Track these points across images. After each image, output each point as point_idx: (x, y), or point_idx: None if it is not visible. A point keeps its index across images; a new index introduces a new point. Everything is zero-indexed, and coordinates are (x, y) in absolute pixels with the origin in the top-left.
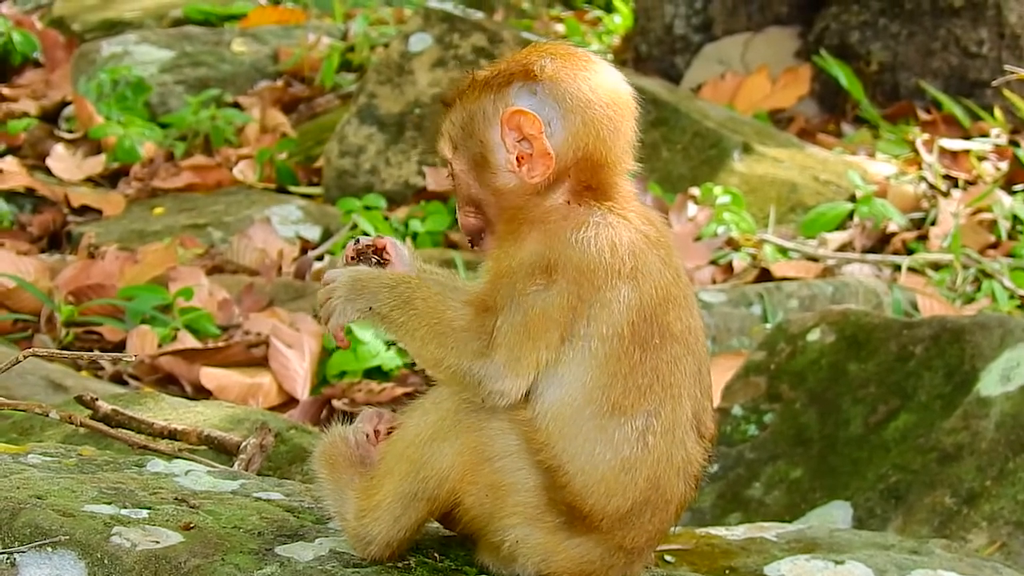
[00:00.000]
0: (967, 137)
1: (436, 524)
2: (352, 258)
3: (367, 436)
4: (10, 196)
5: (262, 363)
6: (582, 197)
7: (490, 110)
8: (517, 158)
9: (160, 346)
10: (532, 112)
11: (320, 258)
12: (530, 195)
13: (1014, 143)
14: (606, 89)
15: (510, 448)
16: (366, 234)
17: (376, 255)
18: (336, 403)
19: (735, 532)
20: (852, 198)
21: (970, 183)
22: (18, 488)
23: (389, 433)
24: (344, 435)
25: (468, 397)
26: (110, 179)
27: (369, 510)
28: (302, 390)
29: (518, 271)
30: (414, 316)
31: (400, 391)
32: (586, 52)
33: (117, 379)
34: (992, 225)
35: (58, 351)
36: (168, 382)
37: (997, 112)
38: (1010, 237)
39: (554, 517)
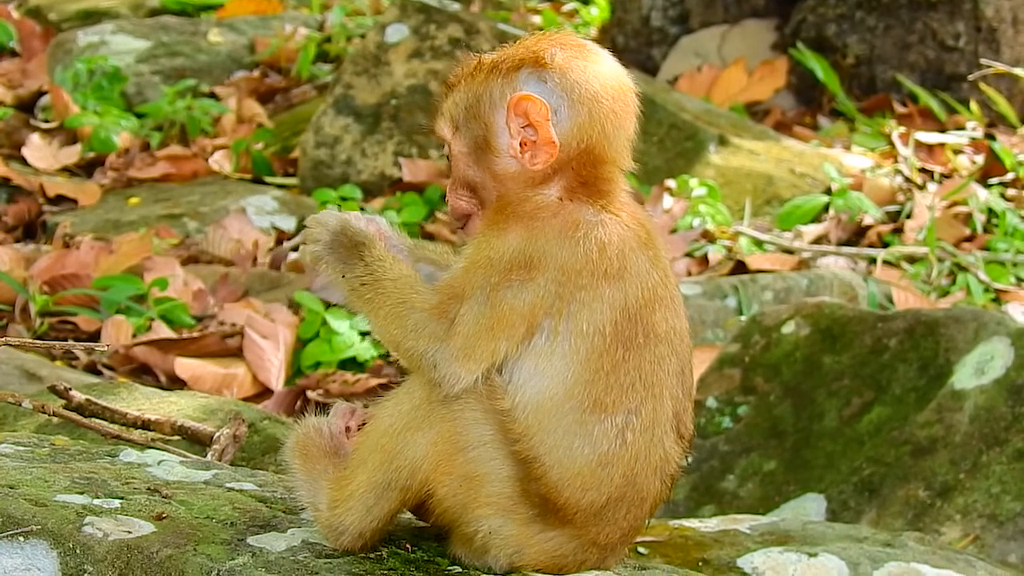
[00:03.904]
0: (943, 130)
1: (409, 515)
2: None
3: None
4: None
5: (237, 353)
6: (576, 193)
7: (497, 93)
8: (520, 144)
9: (135, 336)
10: (540, 99)
11: (295, 249)
12: (528, 184)
13: (990, 136)
14: (613, 85)
15: (484, 438)
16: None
17: None
18: (311, 394)
19: (708, 524)
20: (828, 191)
21: (946, 176)
22: None
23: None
24: (318, 426)
25: (424, 380)
26: (86, 169)
27: (342, 500)
28: (276, 381)
29: (496, 263)
30: (381, 294)
31: (375, 382)
32: (595, 45)
33: (91, 369)
34: (967, 218)
35: (32, 341)
36: (142, 372)
37: (973, 105)
38: (985, 230)
39: (528, 509)
